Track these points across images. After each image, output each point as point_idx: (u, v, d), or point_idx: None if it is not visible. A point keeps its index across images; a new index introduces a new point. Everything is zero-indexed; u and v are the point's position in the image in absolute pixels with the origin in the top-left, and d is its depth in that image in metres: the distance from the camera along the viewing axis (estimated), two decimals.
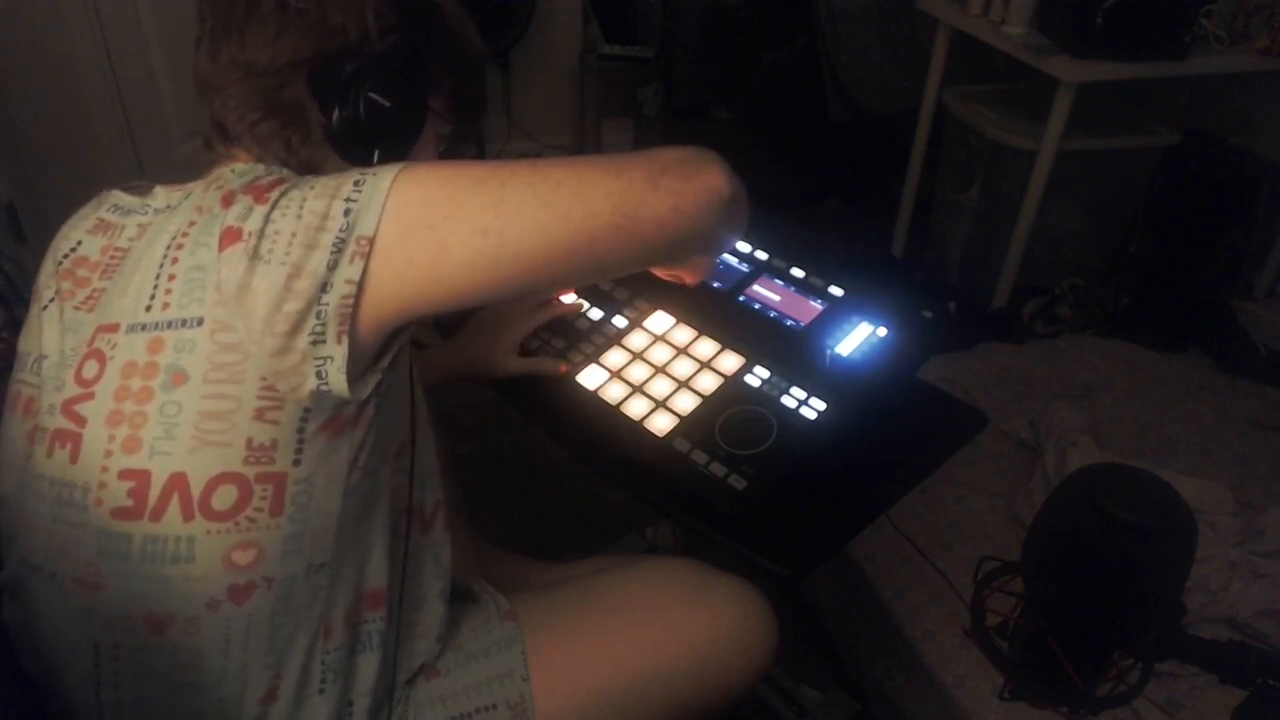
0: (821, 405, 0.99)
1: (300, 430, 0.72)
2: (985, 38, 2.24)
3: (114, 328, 0.74)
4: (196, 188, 0.79)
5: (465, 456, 0.84)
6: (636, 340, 1.10)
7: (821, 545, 0.98)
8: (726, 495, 0.93)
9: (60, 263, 0.81)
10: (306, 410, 0.72)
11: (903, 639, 1.41)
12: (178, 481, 0.72)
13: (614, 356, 1.09)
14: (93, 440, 0.73)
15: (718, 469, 0.95)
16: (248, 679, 0.76)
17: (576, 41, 3.03)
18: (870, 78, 2.91)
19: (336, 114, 0.79)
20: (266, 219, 0.70)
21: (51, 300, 0.80)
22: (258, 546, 0.73)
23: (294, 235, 0.69)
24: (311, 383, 0.70)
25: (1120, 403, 1.89)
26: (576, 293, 1.16)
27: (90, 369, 0.74)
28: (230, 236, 0.70)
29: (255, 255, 0.69)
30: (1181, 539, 1.14)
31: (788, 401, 0.99)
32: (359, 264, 0.69)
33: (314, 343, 0.69)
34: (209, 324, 0.70)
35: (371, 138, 0.81)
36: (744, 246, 1.19)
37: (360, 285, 0.69)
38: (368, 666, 0.83)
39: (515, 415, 1.06)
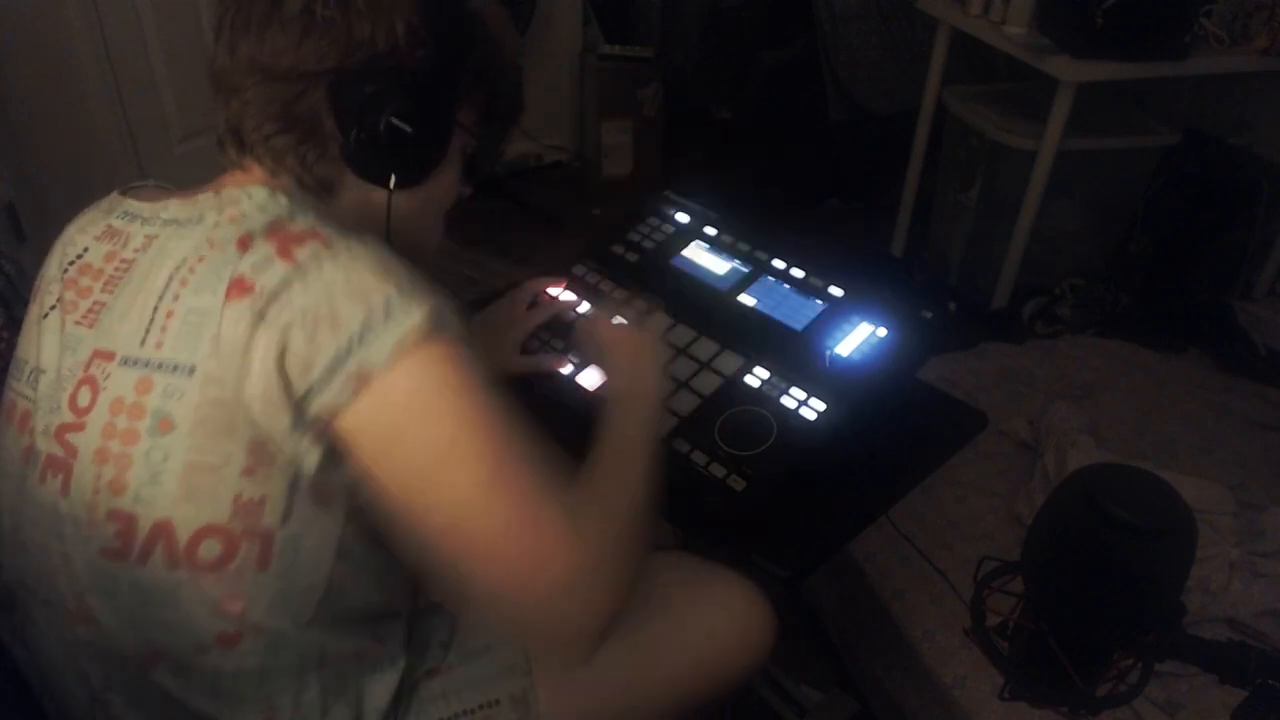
0: (821, 406, 0.99)
1: (291, 490, 0.71)
2: (985, 38, 2.24)
3: (109, 356, 0.72)
4: (208, 206, 0.75)
5: None
6: None
7: (821, 546, 0.99)
8: (726, 496, 0.93)
9: (66, 269, 0.79)
10: (297, 472, 0.71)
11: (903, 639, 1.41)
12: (163, 529, 0.70)
13: None
14: (82, 475, 0.72)
15: (717, 469, 0.95)
16: (240, 715, 0.75)
17: (576, 41, 3.03)
18: (870, 78, 2.91)
19: (355, 134, 0.76)
20: (285, 283, 0.68)
21: (53, 308, 0.78)
22: (244, 599, 0.72)
23: (304, 313, 0.67)
24: (295, 455, 0.70)
25: (1120, 403, 1.89)
26: (571, 290, 1.17)
27: (84, 396, 0.73)
28: (240, 288, 0.68)
29: (261, 317, 0.67)
30: (1181, 539, 1.14)
31: (787, 402, 0.99)
32: (348, 389, 0.68)
33: (294, 427, 0.68)
34: (201, 375, 0.69)
35: (391, 161, 0.78)
36: (744, 247, 1.19)
37: (342, 409, 0.68)
38: (377, 685, 0.82)
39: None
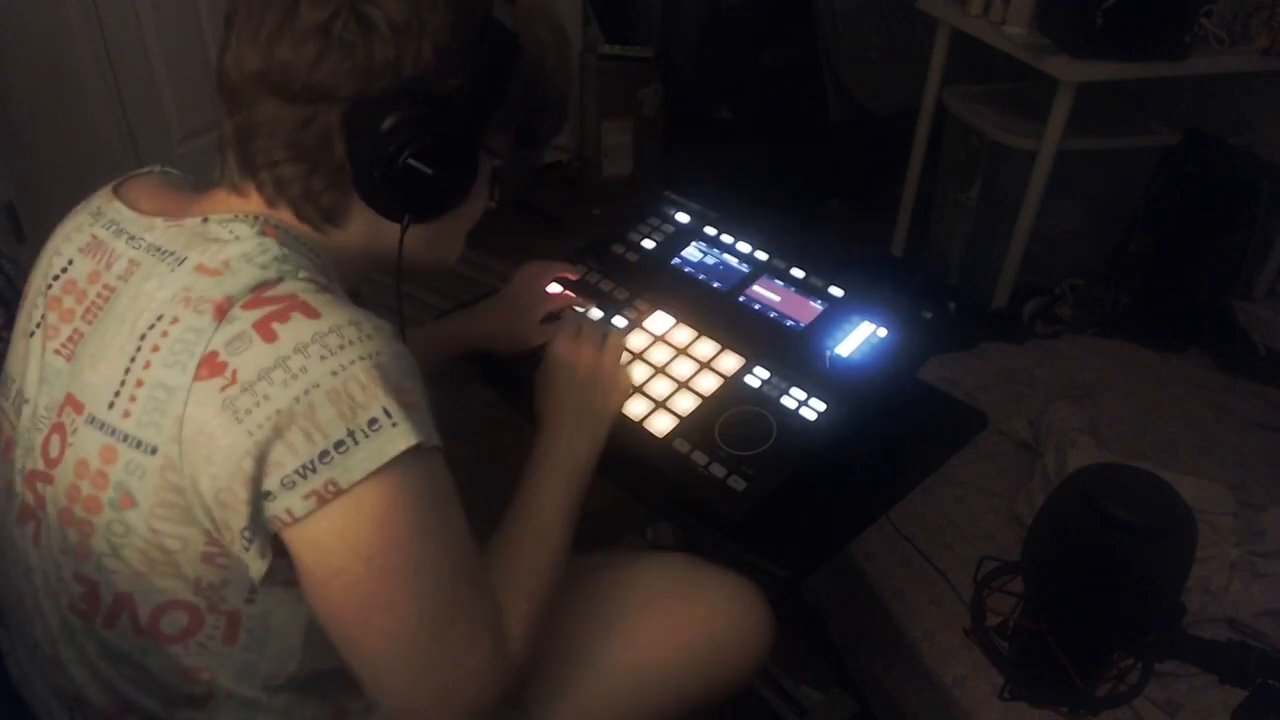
0: (822, 406, 0.98)
1: (252, 576, 0.67)
2: (985, 38, 2.24)
3: (79, 408, 0.68)
4: (192, 239, 0.69)
5: (466, 457, 0.82)
6: (636, 341, 1.10)
7: (822, 546, 0.99)
8: (727, 496, 0.93)
9: (50, 286, 0.75)
10: (254, 564, 0.66)
11: (903, 639, 1.41)
12: (125, 600, 0.68)
13: None
14: (49, 531, 0.70)
15: (718, 470, 0.95)
16: None
17: (576, 42, 3.02)
18: (870, 78, 2.91)
19: (369, 170, 0.69)
20: (263, 375, 0.61)
21: (38, 326, 0.74)
22: (211, 670, 0.71)
23: (278, 412, 0.61)
24: (250, 550, 0.65)
25: (1120, 403, 1.89)
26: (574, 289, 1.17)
27: (54, 446, 0.69)
28: (211, 367, 0.62)
29: (231, 408, 0.61)
30: (1181, 539, 1.14)
31: (788, 402, 0.99)
32: (310, 504, 0.62)
33: (247, 528, 0.64)
34: (161, 458, 0.64)
35: (408, 200, 0.72)
36: (744, 247, 1.19)
37: (295, 521, 0.63)
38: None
39: (516, 415, 1.06)
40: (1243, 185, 2.13)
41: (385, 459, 0.63)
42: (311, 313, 0.64)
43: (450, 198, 0.75)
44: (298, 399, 0.61)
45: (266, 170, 0.70)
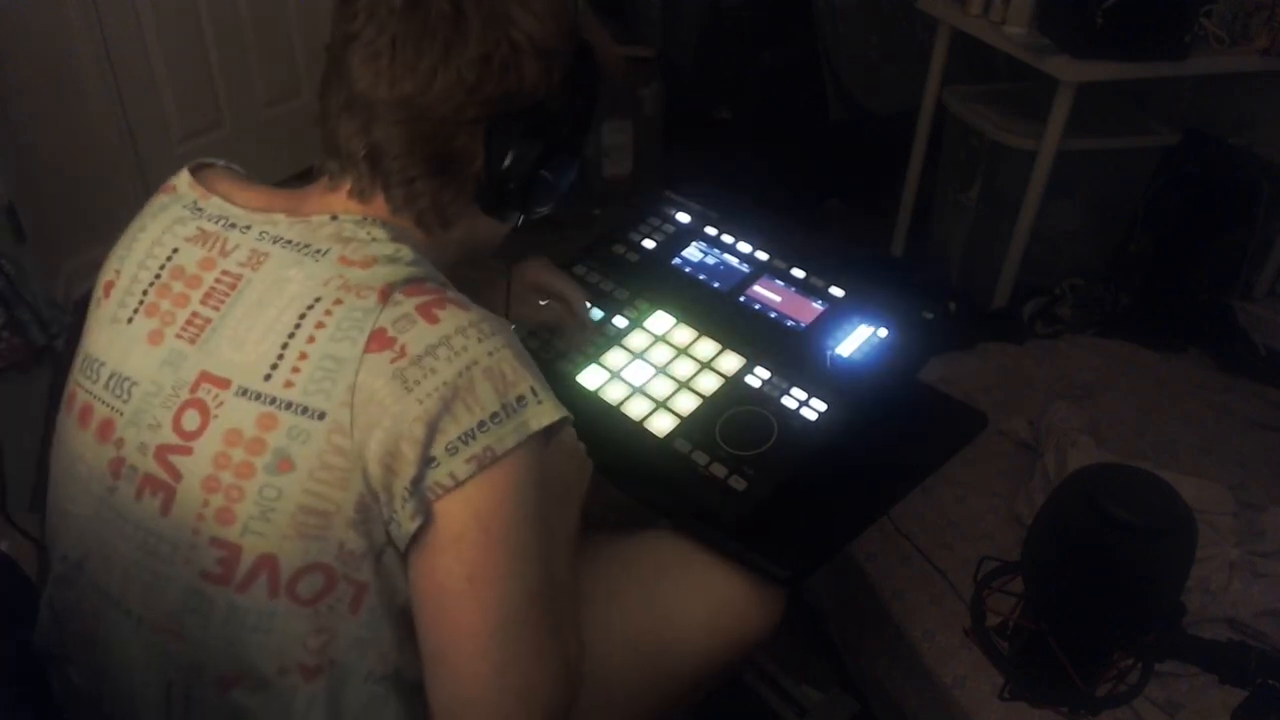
0: (822, 406, 0.99)
1: (385, 549, 0.71)
2: (985, 38, 2.24)
3: (223, 383, 0.71)
4: (328, 234, 0.74)
5: None
6: (637, 340, 1.10)
7: (822, 546, 0.99)
8: (727, 496, 0.93)
9: (158, 274, 0.77)
10: (392, 536, 0.71)
11: (903, 639, 1.41)
12: (267, 562, 0.70)
13: (614, 357, 1.09)
14: (186, 499, 0.72)
15: (718, 470, 0.95)
16: None
17: None
18: (870, 78, 2.91)
19: (503, 183, 0.77)
20: (429, 350, 0.68)
21: (136, 311, 0.76)
22: (331, 633, 0.73)
23: (445, 384, 0.68)
24: (395, 520, 0.70)
25: (1120, 403, 1.89)
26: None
27: (191, 420, 0.72)
28: (381, 341, 0.68)
29: (401, 378, 0.67)
30: (1181, 539, 1.14)
31: (788, 402, 1.00)
32: (471, 467, 0.68)
33: (403, 491, 0.68)
34: (329, 422, 0.68)
35: (527, 204, 0.81)
36: (744, 247, 1.19)
37: (459, 483, 0.68)
38: None
39: None
40: (1243, 185, 2.13)
41: (530, 431, 0.70)
42: (464, 305, 0.72)
43: (555, 196, 0.83)
44: (460, 373, 0.68)
45: (401, 186, 0.76)
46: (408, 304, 0.70)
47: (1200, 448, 1.77)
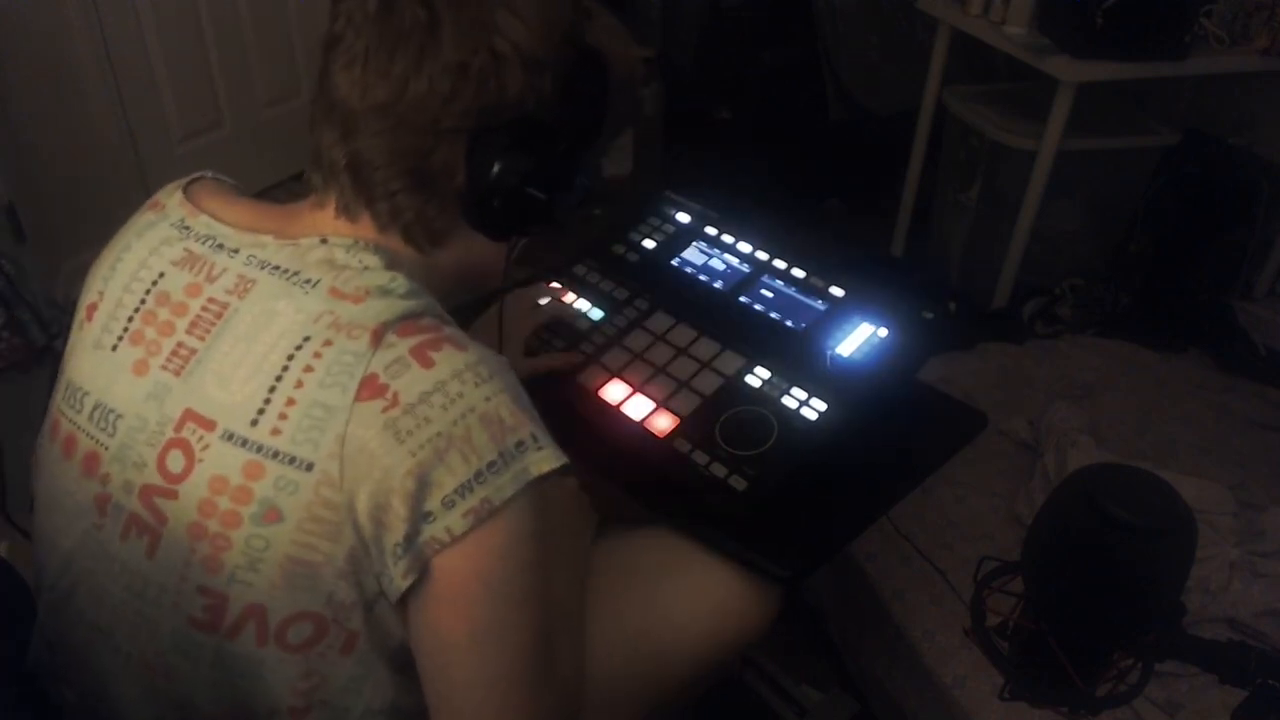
0: (822, 406, 0.99)
1: (377, 600, 0.69)
2: (985, 38, 2.24)
3: (209, 424, 0.68)
4: (317, 262, 0.70)
5: None
6: (637, 340, 1.10)
7: (822, 546, 0.99)
8: (727, 496, 0.93)
9: (144, 299, 0.74)
10: (384, 590, 0.68)
11: (903, 639, 1.41)
12: (255, 610, 0.69)
13: (614, 356, 1.09)
14: (172, 544, 0.70)
15: (718, 470, 0.95)
16: None
17: None
18: (870, 78, 2.91)
19: (487, 198, 0.73)
20: (423, 398, 0.65)
21: (120, 339, 0.74)
22: (322, 676, 0.71)
23: (439, 434, 0.64)
24: (386, 574, 0.67)
25: (1120, 403, 1.89)
26: (569, 289, 1.17)
27: (175, 462, 0.69)
28: (372, 388, 0.65)
29: (393, 428, 0.64)
30: (1181, 539, 1.14)
31: (788, 402, 0.99)
32: (468, 521, 0.65)
33: (396, 548, 0.66)
34: (318, 473, 0.65)
35: (518, 221, 0.76)
36: (744, 247, 1.19)
37: (456, 539, 0.65)
38: None
39: None
40: (1243, 185, 2.13)
41: (530, 478, 0.67)
42: (461, 345, 0.68)
43: (552, 216, 0.78)
44: (455, 422, 0.65)
45: (385, 200, 0.73)
46: (401, 346, 0.66)
47: (1200, 448, 1.77)
